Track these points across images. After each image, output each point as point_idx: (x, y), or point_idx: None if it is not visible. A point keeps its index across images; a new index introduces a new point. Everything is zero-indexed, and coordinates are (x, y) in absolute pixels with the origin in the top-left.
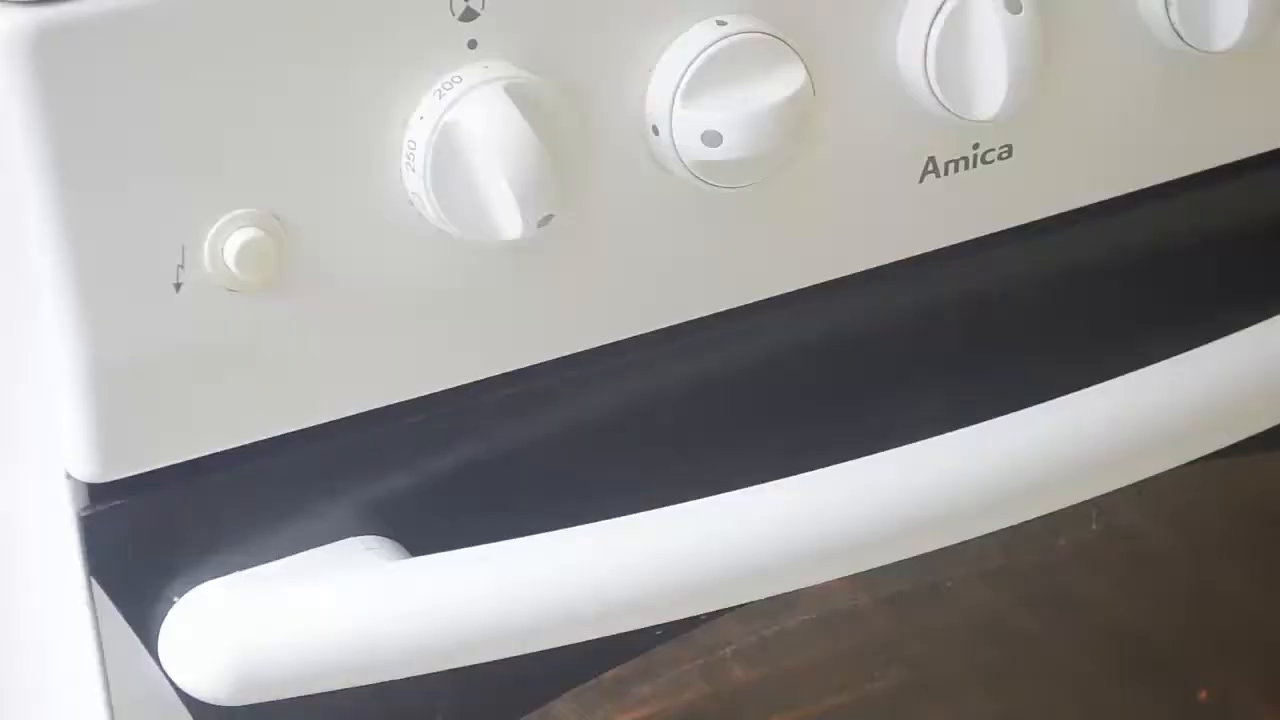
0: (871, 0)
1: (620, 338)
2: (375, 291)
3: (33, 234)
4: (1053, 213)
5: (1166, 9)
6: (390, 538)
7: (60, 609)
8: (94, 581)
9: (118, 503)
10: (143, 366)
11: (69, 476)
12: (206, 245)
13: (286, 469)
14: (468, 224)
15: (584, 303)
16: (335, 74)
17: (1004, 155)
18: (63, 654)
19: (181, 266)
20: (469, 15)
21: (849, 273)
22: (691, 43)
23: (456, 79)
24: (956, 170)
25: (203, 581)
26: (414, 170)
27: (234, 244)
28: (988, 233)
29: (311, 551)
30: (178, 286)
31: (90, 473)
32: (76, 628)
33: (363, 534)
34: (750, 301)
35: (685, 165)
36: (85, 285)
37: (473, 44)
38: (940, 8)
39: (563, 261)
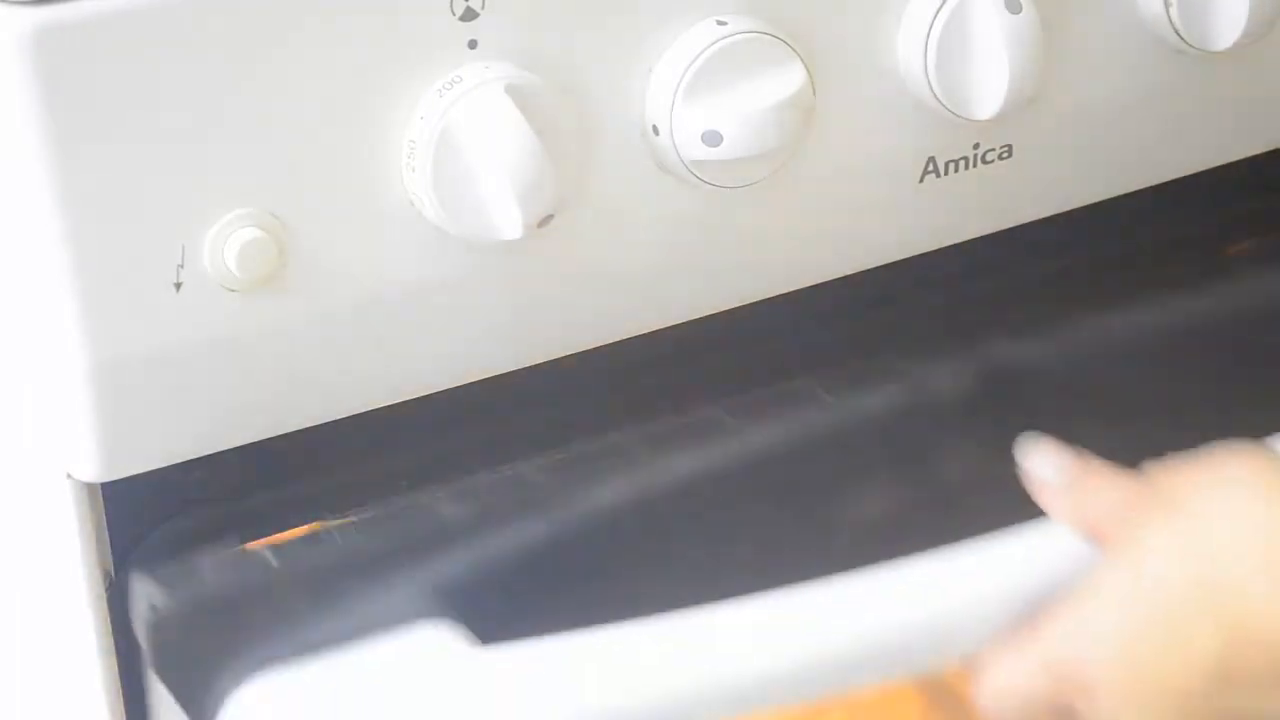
0: (871, 0)
1: (620, 338)
2: (375, 291)
3: (33, 234)
4: (1053, 212)
5: (1166, 9)
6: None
7: (61, 610)
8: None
9: (183, 599)
10: (143, 366)
11: (69, 476)
12: (206, 245)
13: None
14: (468, 224)
15: (584, 303)
16: (336, 74)
17: (1004, 155)
18: (62, 656)
19: (181, 266)
20: (469, 15)
21: (849, 272)
22: (691, 43)
23: (457, 79)
24: (956, 170)
25: (259, 669)
26: (414, 170)
27: (234, 244)
28: (988, 232)
29: (377, 640)
30: (178, 286)
31: (90, 472)
32: (78, 629)
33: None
34: (750, 301)
35: (685, 165)
36: (85, 285)
37: (473, 44)
38: (940, 8)
39: (563, 261)
